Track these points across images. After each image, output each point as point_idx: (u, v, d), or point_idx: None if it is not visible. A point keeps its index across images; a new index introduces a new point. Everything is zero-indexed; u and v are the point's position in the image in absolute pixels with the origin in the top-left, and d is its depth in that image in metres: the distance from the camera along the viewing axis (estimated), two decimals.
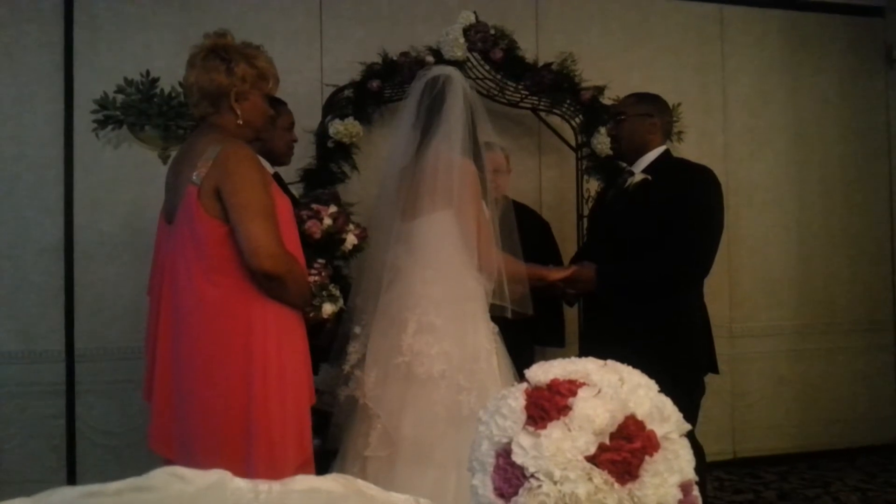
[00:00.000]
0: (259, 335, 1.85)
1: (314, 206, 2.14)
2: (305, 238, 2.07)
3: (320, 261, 2.10)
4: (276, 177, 2.80)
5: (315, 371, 2.68)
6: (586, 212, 3.57)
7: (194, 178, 1.86)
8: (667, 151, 2.74)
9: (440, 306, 2.21)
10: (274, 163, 2.79)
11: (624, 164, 2.86)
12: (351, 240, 2.15)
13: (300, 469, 1.87)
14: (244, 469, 1.78)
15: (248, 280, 1.85)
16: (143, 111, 3.38)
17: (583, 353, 2.81)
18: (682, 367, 2.50)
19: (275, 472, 1.78)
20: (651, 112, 2.72)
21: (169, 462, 1.89)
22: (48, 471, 3.26)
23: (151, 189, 3.12)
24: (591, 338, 2.84)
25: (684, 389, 2.50)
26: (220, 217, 1.84)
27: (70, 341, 3.32)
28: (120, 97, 3.36)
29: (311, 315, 2.01)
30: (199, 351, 1.85)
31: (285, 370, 1.88)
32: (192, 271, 1.87)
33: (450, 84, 2.34)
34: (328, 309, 2.03)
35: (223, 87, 1.94)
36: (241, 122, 1.97)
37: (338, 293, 2.08)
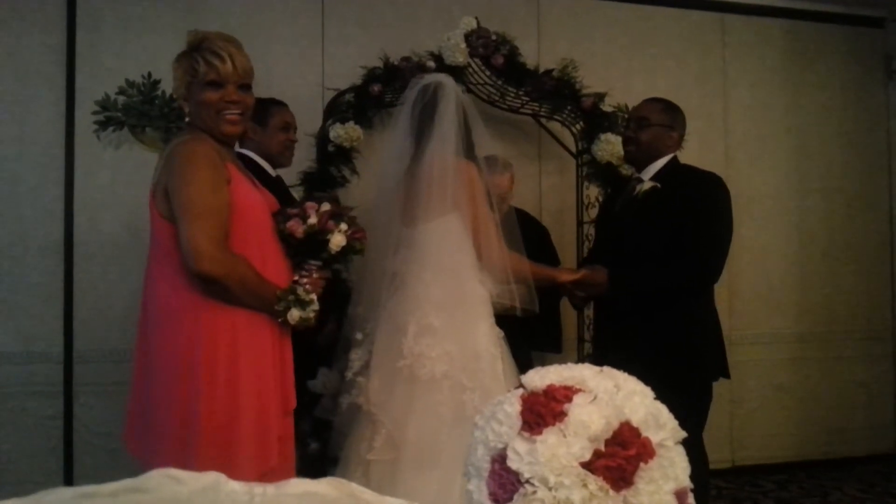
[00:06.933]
0: (205, 337, 1.77)
1: (307, 203, 1.97)
2: (287, 238, 1.93)
3: (313, 263, 1.99)
4: (278, 180, 2.78)
5: (312, 375, 2.68)
6: (586, 218, 3.57)
7: (155, 178, 1.86)
8: (674, 158, 2.73)
9: (440, 308, 2.20)
10: (273, 164, 2.75)
11: (631, 171, 2.87)
12: (337, 240, 1.92)
13: (262, 479, 1.81)
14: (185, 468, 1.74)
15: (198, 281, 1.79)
16: (144, 113, 3.37)
17: (596, 358, 2.83)
18: (694, 372, 2.52)
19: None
20: (674, 125, 2.72)
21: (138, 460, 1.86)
22: (46, 472, 3.26)
23: None
24: (603, 344, 2.85)
25: (695, 394, 2.52)
26: (170, 218, 1.80)
27: (69, 342, 3.32)
28: (121, 99, 3.34)
29: (279, 321, 1.88)
30: (154, 349, 1.82)
31: (239, 373, 1.79)
32: (152, 271, 1.86)
33: (442, 90, 2.35)
34: (295, 314, 1.85)
35: (175, 92, 1.97)
36: (188, 120, 1.94)
37: (310, 297, 1.89)
